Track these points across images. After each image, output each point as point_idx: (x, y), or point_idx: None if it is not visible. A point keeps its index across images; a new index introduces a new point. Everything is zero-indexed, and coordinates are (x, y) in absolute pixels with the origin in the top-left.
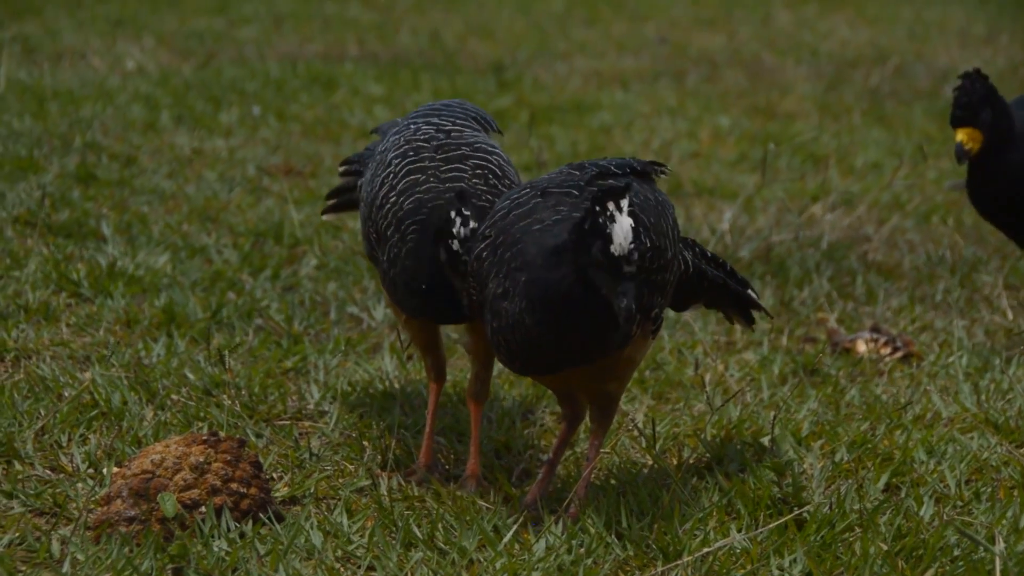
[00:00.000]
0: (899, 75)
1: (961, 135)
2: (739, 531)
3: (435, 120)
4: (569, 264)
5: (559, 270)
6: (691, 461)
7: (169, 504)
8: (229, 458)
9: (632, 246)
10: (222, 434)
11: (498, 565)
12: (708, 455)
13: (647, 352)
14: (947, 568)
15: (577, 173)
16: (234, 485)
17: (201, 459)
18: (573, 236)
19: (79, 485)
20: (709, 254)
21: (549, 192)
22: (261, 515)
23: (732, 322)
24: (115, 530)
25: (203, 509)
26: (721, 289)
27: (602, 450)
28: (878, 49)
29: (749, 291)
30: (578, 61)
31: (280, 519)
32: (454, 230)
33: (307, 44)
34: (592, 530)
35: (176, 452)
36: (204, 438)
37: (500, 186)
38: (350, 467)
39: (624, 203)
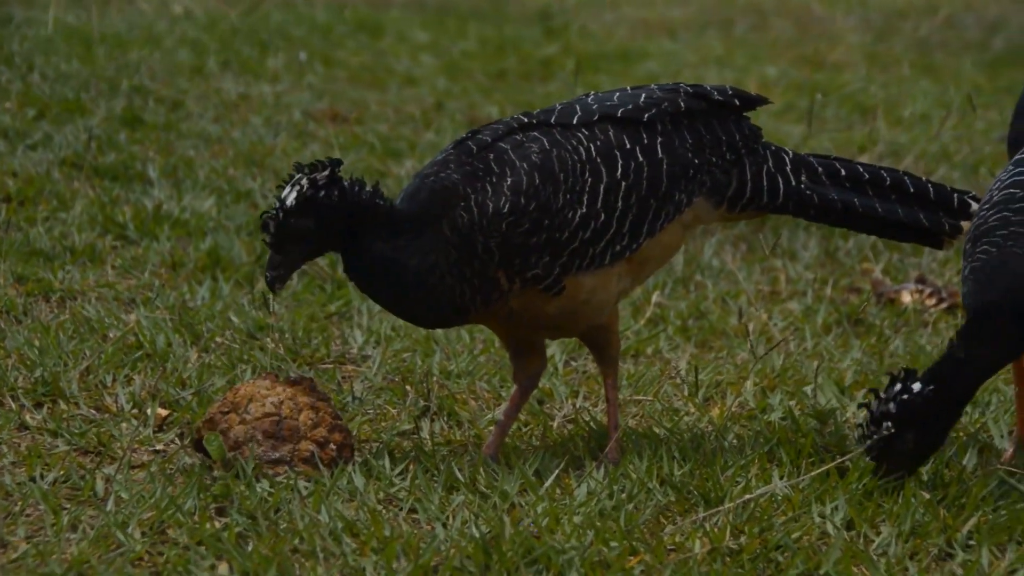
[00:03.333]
0: (949, 26)
1: None
2: (781, 478)
3: None
4: None
5: None
6: (734, 409)
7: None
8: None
9: (281, 216)
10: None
11: (539, 509)
12: (751, 403)
13: (571, 306)
14: (989, 517)
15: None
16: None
17: (311, 399)
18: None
19: (123, 425)
20: (850, 173)
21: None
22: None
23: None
24: (260, 473)
25: (332, 447)
26: (841, 215)
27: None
28: None
29: (925, 214)
30: (626, 10)
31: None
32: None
33: None
34: (634, 475)
35: (283, 393)
36: (293, 379)
37: None
38: (392, 411)
39: (305, 180)
